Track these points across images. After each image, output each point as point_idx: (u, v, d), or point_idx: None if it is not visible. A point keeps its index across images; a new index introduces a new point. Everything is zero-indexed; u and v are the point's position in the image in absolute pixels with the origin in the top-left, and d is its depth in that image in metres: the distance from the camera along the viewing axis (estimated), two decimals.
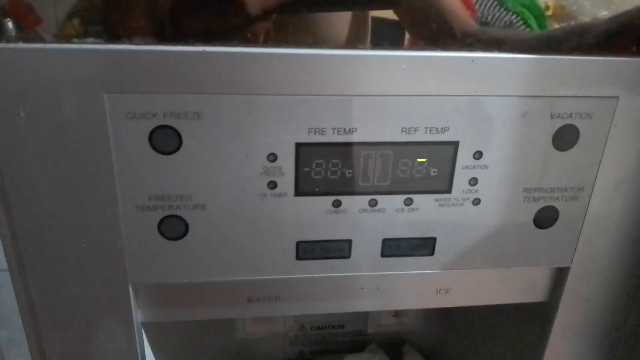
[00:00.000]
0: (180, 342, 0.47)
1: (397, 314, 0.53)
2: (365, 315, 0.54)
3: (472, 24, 0.44)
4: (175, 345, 0.46)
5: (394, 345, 0.59)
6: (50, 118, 0.28)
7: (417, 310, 0.54)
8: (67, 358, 0.35)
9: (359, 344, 0.58)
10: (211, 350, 0.52)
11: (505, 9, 1.20)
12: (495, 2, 1.20)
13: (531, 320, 0.43)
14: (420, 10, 0.55)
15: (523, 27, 1.14)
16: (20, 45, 0.27)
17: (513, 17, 1.16)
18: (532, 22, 1.16)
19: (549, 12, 1.21)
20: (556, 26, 1.20)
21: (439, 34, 0.33)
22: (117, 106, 0.28)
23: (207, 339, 0.52)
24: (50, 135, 0.28)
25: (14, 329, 0.85)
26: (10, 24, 0.32)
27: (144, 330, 0.37)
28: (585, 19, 1.16)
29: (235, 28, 0.38)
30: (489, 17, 1.18)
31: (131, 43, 0.28)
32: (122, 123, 0.29)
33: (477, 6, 1.18)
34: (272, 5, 0.40)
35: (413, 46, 0.33)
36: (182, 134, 0.29)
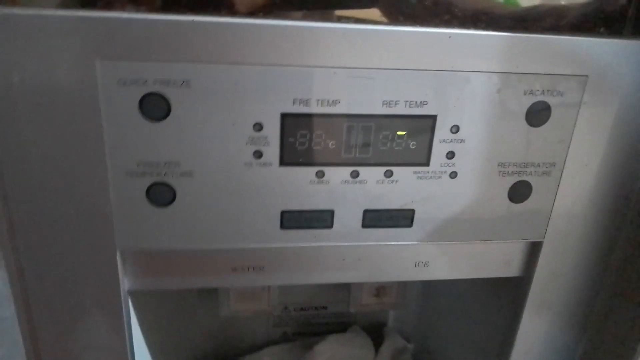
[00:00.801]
0: (164, 318, 0.48)
1: (378, 293, 0.54)
2: (347, 297, 0.55)
3: None
4: (159, 321, 0.47)
5: (375, 327, 0.60)
6: (44, 82, 0.29)
7: (397, 290, 0.55)
8: (54, 325, 0.36)
9: (342, 326, 0.59)
10: (196, 329, 0.53)
11: None
12: None
13: (507, 298, 0.44)
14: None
15: None
16: (16, 10, 0.28)
17: None
18: None
19: None
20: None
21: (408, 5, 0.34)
22: (108, 72, 0.29)
23: (192, 316, 0.52)
24: (43, 99, 0.29)
25: None
26: None
27: (131, 301, 0.38)
28: None
29: None
30: None
31: (124, 11, 0.29)
32: (113, 89, 0.30)
33: None
34: (261, 4, 0.41)
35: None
36: (171, 102, 0.31)
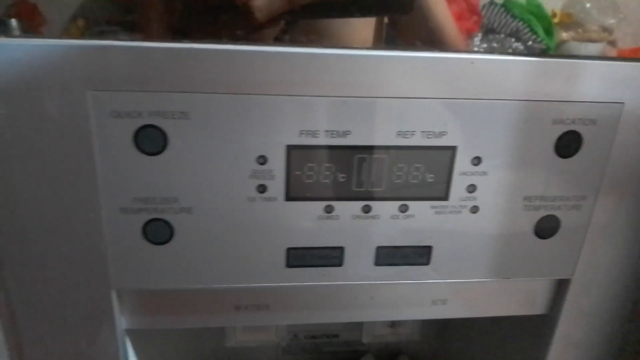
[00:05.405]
0: (168, 350, 0.46)
1: (393, 324, 0.51)
2: (360, 325, 0.52)
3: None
4: (163, 353, 0.45)
5: (389, 355, 0.57)
6: (32, 115, 0.27)
7: (414, 321, 0.53)
8: None
9: (354, 354, 0.57)
10: (201, 359, 0.51)
11: (512, 16, 1.19)
12: (502, 9, 1.19)
13: (531, 333, 0.41)
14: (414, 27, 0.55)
15: (529, 34, 1.13)
16: (1, 39, 0.26)
17: (520, 24, 1.15)
18: (539, 29, 1.15)
19: (556, 20, 1.20)
20: (563, 34, 1.18)
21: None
22: (101, 104, 0.27)
23: (197, 346, 0.50)
24: (32, 133, 0.27)
25: None
26: (14, 24, 0.31)
27: (129, 337, 0.36)
28: (592, 26, 1.14)
29: (243, 34, 0.38)
30: (496, 24, 1.17)
31: (116, 39, 0.27)
32: (106, 122, 0.28)
33: (484, 12, 1.17)
34: (278, 12, 0.39)
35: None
36: (168, 134, 0.28)
